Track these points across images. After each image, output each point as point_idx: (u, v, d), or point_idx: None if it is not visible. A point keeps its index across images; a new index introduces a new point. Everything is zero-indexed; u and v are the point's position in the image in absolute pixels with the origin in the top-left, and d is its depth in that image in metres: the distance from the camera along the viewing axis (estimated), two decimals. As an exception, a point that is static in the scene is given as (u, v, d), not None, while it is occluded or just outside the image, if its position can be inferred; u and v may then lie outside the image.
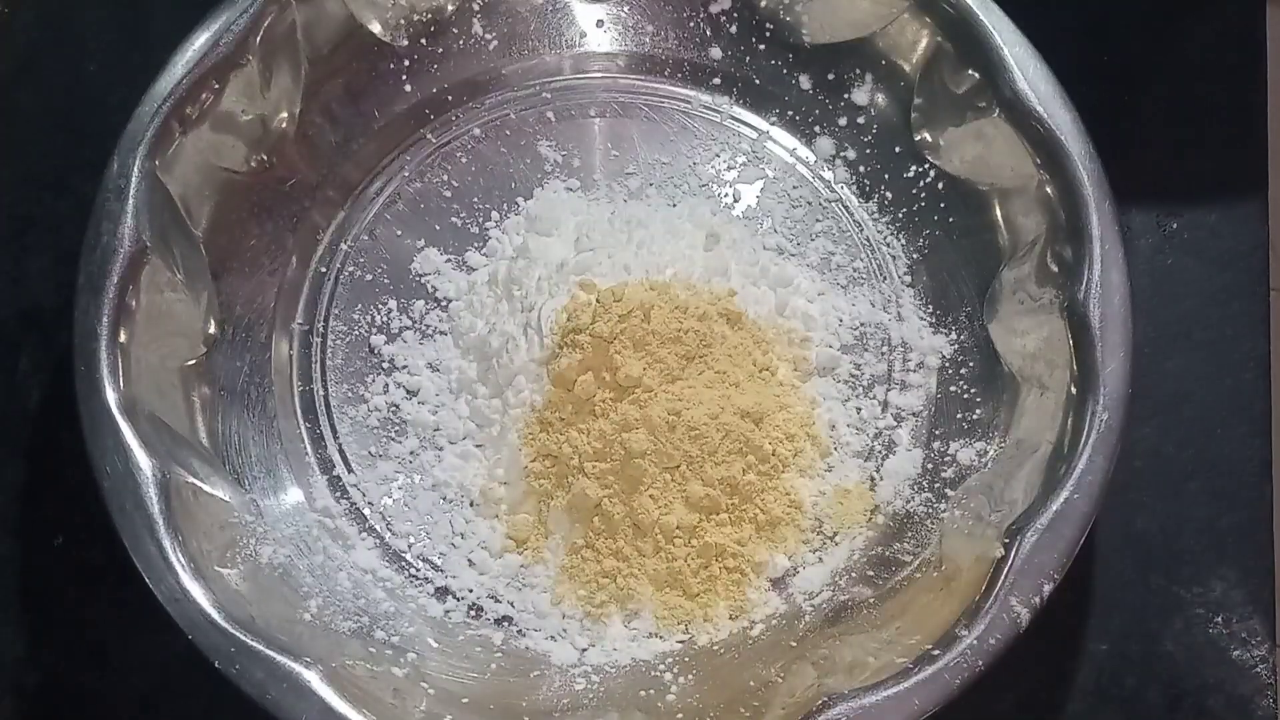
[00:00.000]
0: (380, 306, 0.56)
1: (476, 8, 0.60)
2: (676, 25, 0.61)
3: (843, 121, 0.59)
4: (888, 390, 0.55)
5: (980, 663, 0.42)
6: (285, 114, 0.55)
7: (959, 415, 0.53)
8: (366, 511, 0.52)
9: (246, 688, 0.41)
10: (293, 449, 0.53)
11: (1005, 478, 0.48)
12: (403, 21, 0.58)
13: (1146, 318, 0.52)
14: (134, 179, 0.48)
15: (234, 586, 0.45)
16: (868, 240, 0.58)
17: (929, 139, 0.57)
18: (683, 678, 0.47)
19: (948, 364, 0.55)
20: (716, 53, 0.61)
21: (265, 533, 0.49)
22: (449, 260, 0.57)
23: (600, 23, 0.61)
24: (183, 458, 0.47)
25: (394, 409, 0.54)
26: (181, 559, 0.43)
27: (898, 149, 0.58)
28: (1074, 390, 0.46)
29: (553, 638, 0.49)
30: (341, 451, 0.53)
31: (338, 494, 0.52)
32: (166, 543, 0.43)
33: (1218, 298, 0.56)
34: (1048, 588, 0.43)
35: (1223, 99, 0.60)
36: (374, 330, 0.55)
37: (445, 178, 0.59)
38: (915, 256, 0.57)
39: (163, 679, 0.50)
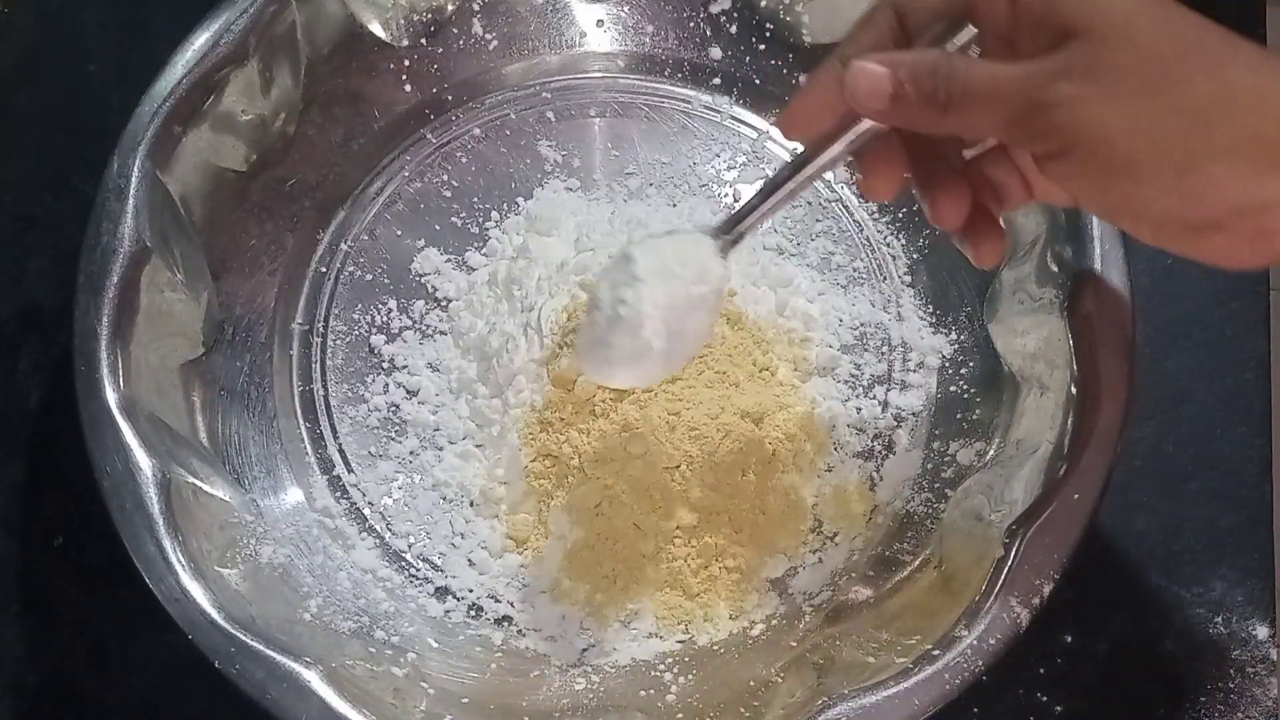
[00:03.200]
0: (380, 306, 0.56)
1: (476, 8, 0.60)
2: (676, 25, 0.61)
3: (843, 121, 0.59)
4: (888, 390, 0.55)
5: (980, 663, 0.42)
6: (285, 114, 0.55)
7: (959, 415, 0.53)
8: (366, 511, 0.52)
9: (246, 688, 0.41)
10: (293, 449, 0.53)
11: (1005, 478, 0.48)
12: (403, 21, 0.58)
13: (1146, 318, 0.52)
14: (134, 179, 0.48)
15: (234, 586, 0.45)
16: (868, 240, 0.58)
17: (929, 139, 0.57)
18: (683, 678, 0.47)
19: (948, 364, 0.55)
20: (716, 53, 0.61)
21: (265, 533, 0.49)
22: (449, 260, 0.57)
23: (600, 23, 0.61)
24: (183, 458, 0.47)
25: (394, 409, 0.54)
26: (181, 559, 0.43)
27: (898, 149, 0.58)
28: (1074, 390, 0.46)
29: (553, 638, 0.49)
30: (341, 451, 0.53)
31: (338, 494, 0.52)
32: (166, 543, 0.43)
33: (1218, 298, 0.56)
34: (1048, 588, 0.43)
35: (1223, 99, 0.59)
36: (374, 330, 0.55)
37: (445, 178, 0.59)
38: (915, 256, 0.57)
39: (163, 679, 0.50)
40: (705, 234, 0.43)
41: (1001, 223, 0.42)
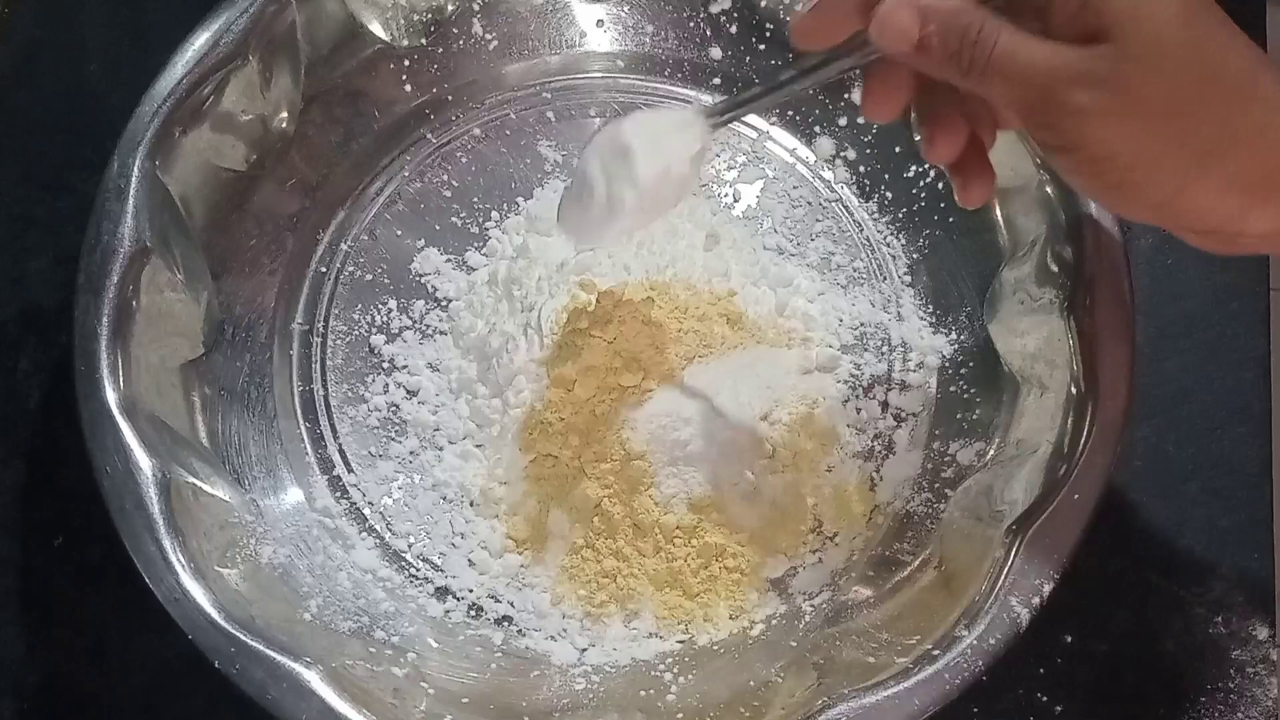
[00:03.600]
0: (380, 306, 0.56)
1: (476, 8, 0.60)
2: (676, 25, 0.61)
3: (843, 121, 0.59)
4: (888, 390, 0.54)
5: (980, 663, 0.42)
6: (285, 114, 0.55)
7: (959, 415, 0.53)
8: (366, 511, 0.52)
9: (246, 688, 0.41)
10: (293, 449, 0.53)
11: (1005, 478, 0.48)
12: (403, 21, 0.58)
13: (1146, 318, 0.52)
14: (134, 179, 0.48)
15: (234, 586, 0.45)
16: (868, 240, 0.58)
17: (929, 139, 0.57)
18: (683, 678, 0.47)
19: (948, 364, 0.55)
20: (716, 53, 0.61)
21: (265, 533, 0.49)
22: (449, 260, 0.57)
23: (600, 23, 0.61)
24: (183, 458, 0.47)
25: (394, 409, 0.54)
26: (181, 559, 0.43)
27: (898, 149, 0.58)
28: (1074, 390, 0.46)
29: (553, 638, 0.49)
30: (341, 451, 0.53)
31: (338, 494, 0.52)
32: (166, 543, 0.43)
33: (1218, 298, 0.56)
34: (1048, 588, 0.43)
35: (1223, 99, 0.59)
36: (374, 330, 0.55)
37: (445, 178, 0.59)
38: (915, 256, 0.57)
39: (163, 679, 0.50)
40: (699, 114, 0.44)
41: (992, 164, 0.42)
